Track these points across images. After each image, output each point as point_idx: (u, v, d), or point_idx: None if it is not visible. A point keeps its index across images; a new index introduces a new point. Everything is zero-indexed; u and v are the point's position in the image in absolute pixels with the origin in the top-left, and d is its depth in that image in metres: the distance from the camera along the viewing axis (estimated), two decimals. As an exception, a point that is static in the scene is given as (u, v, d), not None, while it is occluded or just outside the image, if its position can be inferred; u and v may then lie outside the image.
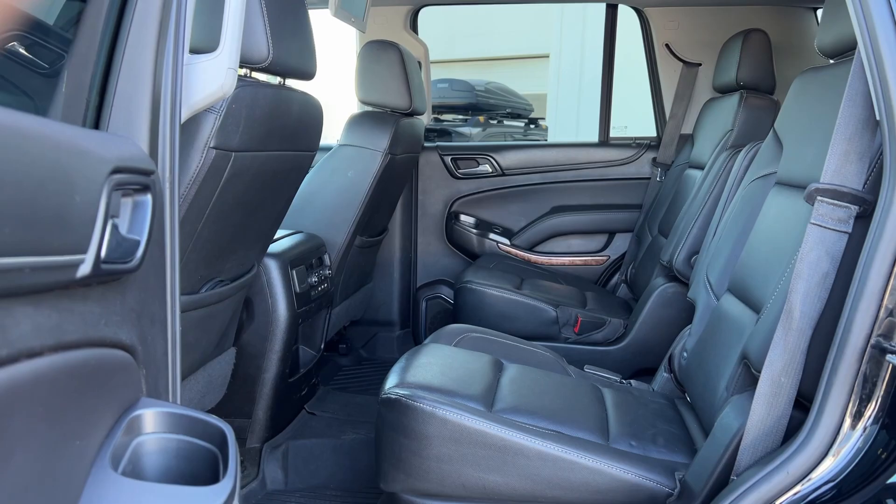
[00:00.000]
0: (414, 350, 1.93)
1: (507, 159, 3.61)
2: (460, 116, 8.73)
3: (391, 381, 1.68)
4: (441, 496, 1.55)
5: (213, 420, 0.94)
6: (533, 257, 3.56)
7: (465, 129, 8.18)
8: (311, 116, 1.95)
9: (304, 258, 2.40)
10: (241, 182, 1.68)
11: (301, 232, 2.57)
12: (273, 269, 2.21)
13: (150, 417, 0.91)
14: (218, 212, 1.64)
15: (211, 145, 1.52)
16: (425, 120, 3.46)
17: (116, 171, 0.79)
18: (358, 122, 2.86)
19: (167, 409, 0.93)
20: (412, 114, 3.00)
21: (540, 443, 1.52)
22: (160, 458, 0.91)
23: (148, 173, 0.94)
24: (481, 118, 8.69)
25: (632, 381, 2.12)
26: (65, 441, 0.73)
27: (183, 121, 1.16)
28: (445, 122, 8.45)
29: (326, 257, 2.61)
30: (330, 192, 2.75)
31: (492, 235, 3.56)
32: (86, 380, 0.76)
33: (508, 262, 3.40)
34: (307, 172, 2.10)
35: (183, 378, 1.80)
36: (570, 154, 3.62)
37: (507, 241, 3.58)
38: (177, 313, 1.09)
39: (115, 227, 0.79)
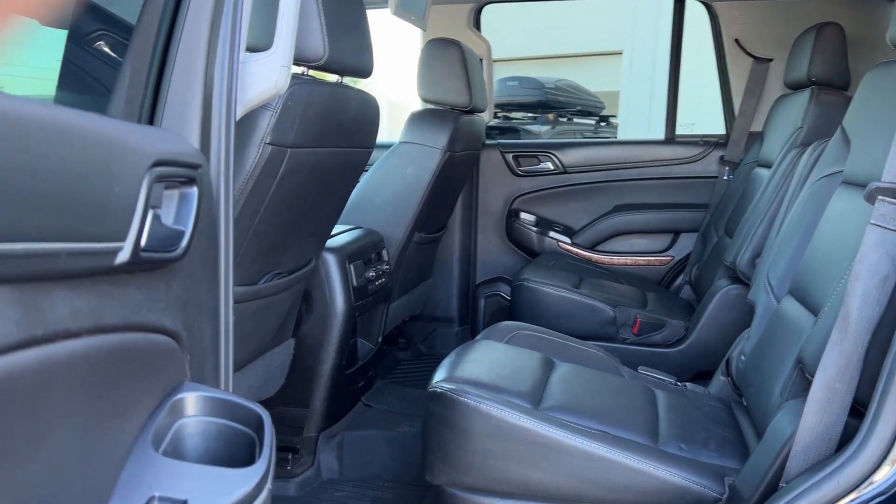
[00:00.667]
0: (464, 346, 1.93)
1: (570, 157, 3.57)
2: (529, 114, 8.67)
3: (439, 376, 1.69)
4: (485, 491, 1.56)
5: (251, 405, 0.98)
6: (594, 256, 3.51)
7: (535, 128, 8.12)
8: (367, 114, 1.98)
9: (363, 253, 2.44)
10: (297, 178, 1.72)
11: (360, 227, 2.61)
12: (331, 263, 2.25)
13: (192, 401, 0.95)
14: (274, 207, 1.69)
15: (267, 141, 1.56)
16: (487, 118, 3.46)
17: (158, 163, 0.82)
18: (418, 119, 2.88)
19: (208, 393, 0.97)
20: (472, 111, 3.01)
21: (585, 442, 1.50)
22: (200, 441, 0.95)
23: (195, 167, 0.98)
24: (550, 116, 8.60)
25: (687, 383, 2.08)
26: (105, 419, 0.77)
27: (238, 117, 1.21)
28: (514, 121, 8.42)
29: (385, 253, 2.65)
30: (389, 189, 2.78)
31: (552, 233, 3.53)
32: (126, 362, 0.80)
33: (568, 261, 3.36)
34: (363, 169, 2.14)
35: (241, 367, 1.87)
36: (634, 151, 3.56)
37: (567, 240, 3.54)
38: (230, 303, 1.13)
39: (156, 217, 0.82)
